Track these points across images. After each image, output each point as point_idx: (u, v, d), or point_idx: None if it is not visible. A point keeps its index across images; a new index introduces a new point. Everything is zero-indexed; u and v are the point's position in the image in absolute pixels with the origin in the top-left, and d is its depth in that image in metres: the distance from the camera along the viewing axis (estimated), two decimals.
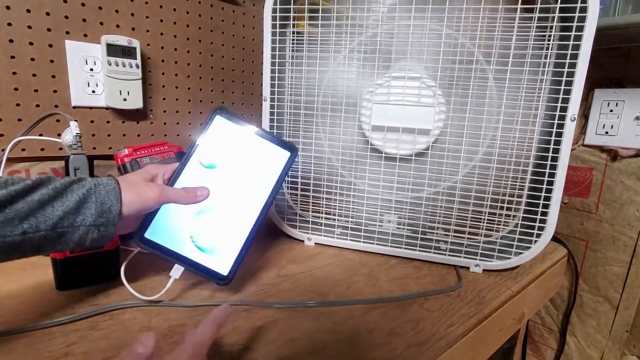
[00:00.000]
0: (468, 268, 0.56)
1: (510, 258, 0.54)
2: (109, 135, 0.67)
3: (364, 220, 0.60)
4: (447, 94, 0.53)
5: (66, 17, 0.59)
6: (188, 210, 0.44)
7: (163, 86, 0.73)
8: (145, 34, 0.68)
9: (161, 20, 0.70)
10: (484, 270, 0.56)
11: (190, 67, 0.76)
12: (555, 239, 0.73)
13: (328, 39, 0.56)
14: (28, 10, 0.56)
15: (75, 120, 0.48)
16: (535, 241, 0.53)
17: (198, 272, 0.44)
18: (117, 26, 0.65)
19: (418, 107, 0.53)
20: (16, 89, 0.57)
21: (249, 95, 0.87)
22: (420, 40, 0.52)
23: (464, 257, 0.56)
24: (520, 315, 0.55)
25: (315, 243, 0.63)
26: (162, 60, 0.72)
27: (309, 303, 0.44)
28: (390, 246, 0.59)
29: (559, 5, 0.47)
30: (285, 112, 0.60)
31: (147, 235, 0.43)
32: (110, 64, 0.63)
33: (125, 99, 0.66)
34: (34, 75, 0.58)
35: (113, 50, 0.63)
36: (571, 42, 0.47)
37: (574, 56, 0.47)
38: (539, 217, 0.52)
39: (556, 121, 0.49)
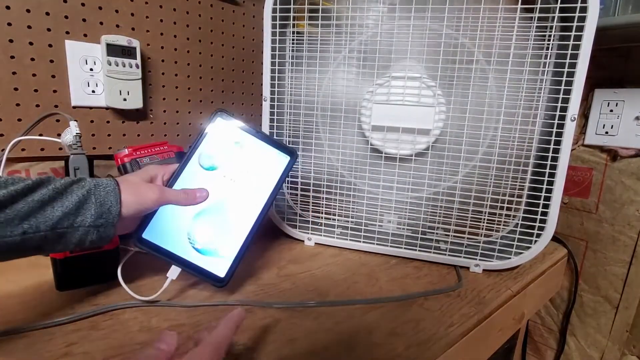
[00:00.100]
0: (468, 268, 0.56)
1: (510, 258, 0.54)
2: (109, 135, 0.67)
3: (364, 220, 0.60)
4: (447, 94, 0.53)
5: (66, 17, 0.59)
6: (187, 211, 0.44)
7: (163, 86, 0.73)
8: (145, 34, 0.68)
9: (161, 20, 0.70)
10: (484, 270, 0.56)
11: (190, 67, 0.76)
12: (555, 239, 0.73)
13: (328, 39, 0.56)
14: (28, 10, 0.56)
15: (75, 120, 0.48)
16: (535, 241, 0.53)
17: (195, 274, 0.44)
18: (117, 26, 0.65)
19: (418, 107, 0.53)
20: (16, 89, 0.57)
21: (249, 95, 0.87)
22: (420, 40, 0.52)
23: (464, 257, 0.56)
24: (520, 315, 0.55)
25: (315, 243, 0.63)
26: (162, 60, 0.72)
27: (309, 303, 0.44)
28: (390, 246, 0.59)
29: (559, 5, 0.47)
30: (285, 112, 0.60)
31: (145, 235, 0.43)
32: (110, 64, 0.63)
33: (125, 99, 0.66)
34: (34, 75, 0.58)
35: (113, 50, 0.63)
36: (571, 42, 0.46)
37: (574, 56, 0.47)
38: (539, 217, 0.52)
39: (556, 121, 0.49)
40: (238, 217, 0.46)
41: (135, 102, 0.67)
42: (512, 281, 0.53)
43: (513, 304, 0.51)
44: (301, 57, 0.58)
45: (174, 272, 0.43)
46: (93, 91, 0.64)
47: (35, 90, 0.58)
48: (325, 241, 0.63)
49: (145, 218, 0.43)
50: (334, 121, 0.58)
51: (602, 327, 0.77)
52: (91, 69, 0.63)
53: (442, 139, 0.54)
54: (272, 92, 0.59)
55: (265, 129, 0.60)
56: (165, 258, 0.43)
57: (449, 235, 0.57)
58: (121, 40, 0.63)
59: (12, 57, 0.56)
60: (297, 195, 0.63)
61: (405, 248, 0.58)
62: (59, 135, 0.51)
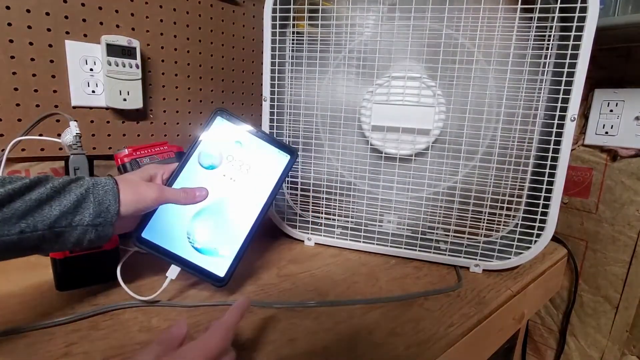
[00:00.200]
0: (468, 268, 0.56)
1: (510, 258, 0.54)
2: (108, 135, 0.67)
3: (364, 221, 0.60)
4: (447, 94, 0.53)
5: (66, 17, 0.59)
6: (186, 210, 0.44)
7: (163, 86, 0.73)
8: (145, 34, 0.68)
9: (161, 20, 0.70)
10: (483, 270, 0.56)
11: (190, 67, 0.76)
12: (555, 239, 0.73)
13: (328, 39, 0.56)
14: (28, 10, 0.56)
15: (75, 120, 0.48)
16: (535, 241, 0.53)
17: (194, 273, 0.44)
18: (117, 26, 0.65)
19: (418, 107, 0.53)
20: (16, 89, 0.57)
21: (249, 95, 0.87)
22: (420, 41, 0.52)
23: (464, 257, 0.56)
24: (520, 315, 0.55)
25: (315, 243, 0.63)
26: (162, 60, 0.72)
27: (309, 303, 0.44)
28: (390, 246, 0.59)
29: (558, 5, 0.47)
30: (285, 112, 0.60)
31: (145, 235, 0.43)
32: (110, 64, 0.63)
33: (125, 99, 0.66)
34: (34, 75, 0.58)
35: (113, 50, 0.63)
36: (571, 42, 0.46)
37: (574, 56, 0.47)
38: (539, 217, 0.52)
39: (556, 121, 0.49)
40: (238, 216, 0.46)
41: (135, 102, 0.67)
42: (512, 281, 0.53)
43: (513, 304, 0.51)
44: (301, 57, 0.58)
45: (173, 271, 0.43)
46: (93, 91, 0.64)
47: (35, 90, 0.58)
48: (325, 241, 0.63)
49: (145, 217, 0.43)
50: (334, 121, 0.58)
51: (602, 327, 0.77)
52: (91, 69, 0.63)
53: (442, 139, 0.54)
54: (272, 92, 0.59)
55: (265, 129, 0.60)
56: (164, 257, 0.43)
57: (448, 235, 0.57)
58: (121, 40, 0.63)
59: (12, 57, 0.56)
60: (297, 195, 0.63)
61: (405, 248, 0.58)
62: (59, 135, 0.51)
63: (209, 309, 0.42)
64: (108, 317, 0.40)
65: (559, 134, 0.49)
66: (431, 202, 0.56)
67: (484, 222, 0.54)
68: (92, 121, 0.65)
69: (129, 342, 0.36)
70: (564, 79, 0.48)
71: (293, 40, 0.59)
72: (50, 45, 0.59)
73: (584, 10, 0.45)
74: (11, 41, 0.55)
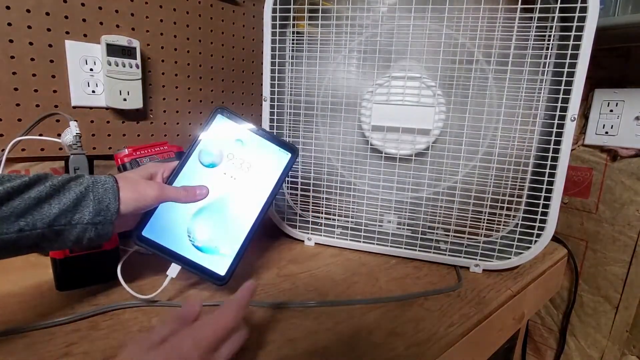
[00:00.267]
0: (468, 268, 0.56)
1: (510, 258, 0.54)
2: (109, 135, 0.67)
3: (364, 221, 0.60)
4: (447, 94, 0.53)
5: (66, 17, 0.59)
6: (186, 209, 0.44)
7: (163, 86, 0.73)
8: (145, 34, 0.68)
9: (161, 20, 0.70)
10: (484, 270, 0.56)
11: (190, 67, 0.76)
12: (555, 239, 0.73)
13: (328, 39, 0.56)
14: (28, 10, 0.56)
15: (75, 120, 0.48)
16: (535, 241, 0.53)
17: (195, 272, 0.43)
18: (117, 26, 0.65)
19: (418, 107, 0.53)
20: (16, 89, 0.57)
21: (249, 95, 0.87)
22: (420, 40, 0.52)
23: (464, 257, 0.56)
24: (520, 315, 0.55)
25: (315, 243, 0.63)
26: (162, 60, 0.72)
27: (309, 303, 0.44)
28: (390, 246, 0.59)
29: (559, 5, 0.47)
30: (285, 112, 0.60)
31: (145, 233, 0.42)
32: (110, 64, 0.63)
33: (125, 99, 0.66)
34: (34, 75, 0.58)
35: (113, 50, 0.63)
36: (571, 42, 0.46)
37: (574, 56, 0.47)
38: (539, 217, 0.52)
39: (556, 121, 0.49)
40: (239, 215, 0.46)
41: (135, 102, 0.67)
42: (512, 281, 0.53)
43: (513, 304, 0.51)
44: (301, 57, 0.58)
45: (173, 270, 0.43)
46: (93, 91, 0.64)
47: (35, 90, 0.58)
48: (325, 241, 0.63)
49: (145, 215, 0.43)
50: (334, 121, 0.58)
51: (602, 327, 0.77)
52: (91, 69, 0.63)
53: (442, 139, 0.54)
54: (272, 92, 0.59)
55: (266, 129, 0.60)
56: (165, 256, 0.43)
57: (449, 235, 0.57)
58: (121, 40, 0.63)
59: (12, 57, 0.56)
60: (297, 195, 0.63)
61: (405, 248, 0.58)
62: (59, 135, 0.51)
63: (209, 308, 0.42)
64: (108, 317, 0.40)
65: (559, 134, 0.49)
66: (431, 202, 0.56)
67: (484, 222, 0.54)
68: (92, 121, 0.65)
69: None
70: (564, 79, 0.48)
71: (293, 40, 0.59)
72: (50, 45, 0.59)
73: (584, 10, 0.45)
74: (11, 41, 0.55)
